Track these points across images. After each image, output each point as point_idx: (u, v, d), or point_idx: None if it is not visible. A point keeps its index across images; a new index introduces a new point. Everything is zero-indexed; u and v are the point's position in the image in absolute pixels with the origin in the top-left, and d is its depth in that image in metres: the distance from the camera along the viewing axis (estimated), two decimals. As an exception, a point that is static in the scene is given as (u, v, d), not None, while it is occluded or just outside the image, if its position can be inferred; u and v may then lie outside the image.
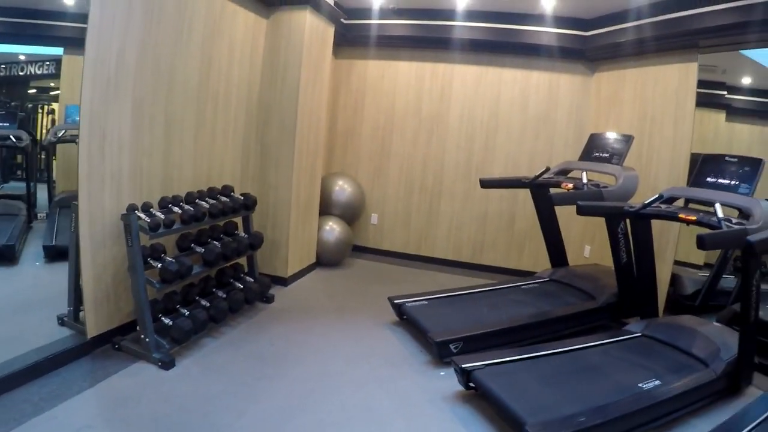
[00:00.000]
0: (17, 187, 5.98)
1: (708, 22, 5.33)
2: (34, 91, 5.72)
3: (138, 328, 4.10)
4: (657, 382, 3.65)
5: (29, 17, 4.96)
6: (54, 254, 5.34)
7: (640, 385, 3.62)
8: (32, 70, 5.53)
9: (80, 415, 3.20)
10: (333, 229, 7.03)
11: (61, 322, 4.29)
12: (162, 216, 4.18)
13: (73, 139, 5.26)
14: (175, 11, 4.53)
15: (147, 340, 4.00)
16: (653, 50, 6.15)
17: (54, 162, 5.71)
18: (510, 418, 3.24)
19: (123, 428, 3.12)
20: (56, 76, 5.58)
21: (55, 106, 5.86)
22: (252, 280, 5.32)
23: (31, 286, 5.09)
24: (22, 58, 5.51)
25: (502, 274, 7.20)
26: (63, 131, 5.41)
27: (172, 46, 4.54)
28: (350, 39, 7.42)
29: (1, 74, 5.53)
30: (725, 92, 7.17)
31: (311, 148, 6.37)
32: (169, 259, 4.21)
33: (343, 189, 7.39)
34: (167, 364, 3.94)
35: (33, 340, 3.86)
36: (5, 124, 5.40)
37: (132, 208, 4.05)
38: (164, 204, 4.41)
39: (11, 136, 5.36)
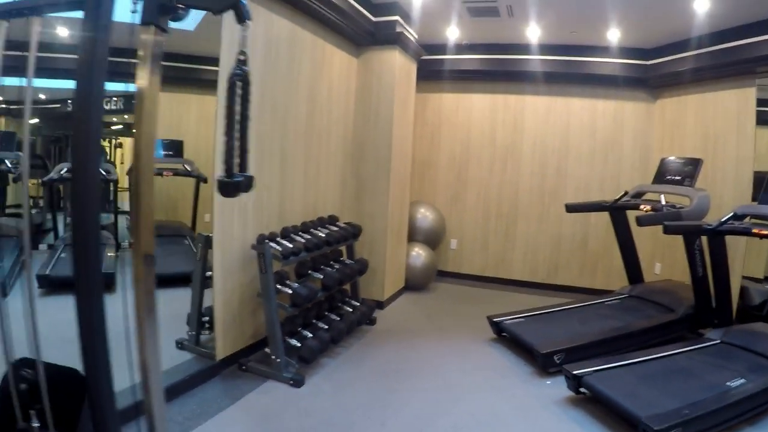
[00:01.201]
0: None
1: (764, 51, 5.78)
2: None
3: (268, 349, 4.57)
4: (742, 380, 4.09)
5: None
6: (151, 283, 5.71)
7: (727, 383, 4.05)
8: (99, 105, 5.81)
9: (230, 431, 3.60)
10: (419, 254, 7.55)
11: (180, 346, 4.71)
12: (290, 245, 4.71)
13: (160, 172, 5.74)
14: (287, 55, 5.11)
15: (278, 360, 4.45)
16: (712, 77, 6.61)
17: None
18: (624, 414, 3.73)
19: None
20: (122, 111, 6.01)
21: (122, 140, 6.40)
22: (358, 303, 5.83)
23: (138, 313, 5.45)
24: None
25: (577, 293, 7.57)
26: (151, 165, 5.82)
27: (285, 88, 5.13)
28: (426, 73, 7.88)
29: (69, 109, 5.71)
30: (776, 109, 7.50)
31: (401, 179, 6.92)
32: (296, 284, 4.71)
33: (425, 216, 7.90)
34: (298, 383, 4.39)
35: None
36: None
37: (263, 238, 4.60)
38: (286, 234, 4.95)
39: (101, 170, 5.75)
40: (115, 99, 5.83)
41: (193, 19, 2.03)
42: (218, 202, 4.34)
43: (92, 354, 1.88)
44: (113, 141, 6.38)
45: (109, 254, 6.01)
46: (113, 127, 6.26)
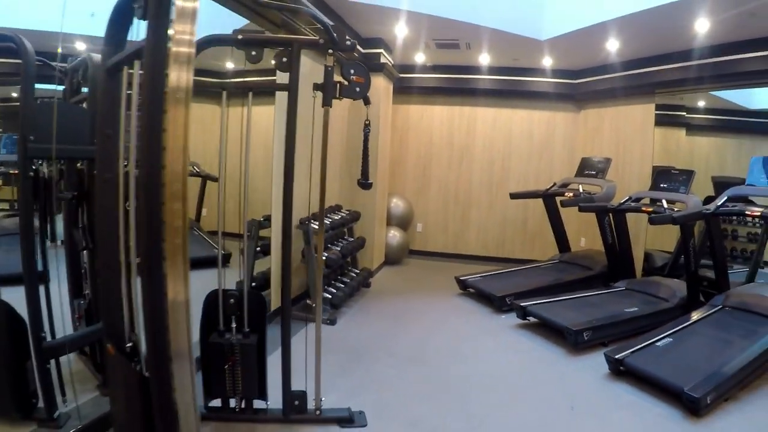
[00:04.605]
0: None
1: (661, 78, 7.84)
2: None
3: (309, 300, 6.38)
4: (636, 309, 6.10)
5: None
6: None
7: (625, 310, 6.06)
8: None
9: (298, 349, 4.66)
10: (395, 235, 9.46)
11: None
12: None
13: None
14: (309, 83, 6.81)
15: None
16: (623, 95, 8.66)
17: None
18: (554, 327, 5.78)
19: (333, 353, 5.20)
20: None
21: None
22: (358, 271, 7.66)
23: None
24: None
25: (520, 263, 9.27)
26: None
27: (309, 111, 6.83)
28: (397, 89, 9.60)
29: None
30: (684, 113, 9.51)
31: (383, 175, 8.75)
32: (325, 253, 6.50)
33: (397, 205, 9.77)
34: (333, 322, 6.18)
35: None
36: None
37: (305, 220, 6.34)
38: (315, 217, 6.70)
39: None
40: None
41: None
42: (275, 199, 5.99)
43: (285, 284, 3.73)
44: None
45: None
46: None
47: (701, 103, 9.54)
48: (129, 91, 2.73)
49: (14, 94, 3.68)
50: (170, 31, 2.09)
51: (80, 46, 4.32)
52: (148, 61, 2.12)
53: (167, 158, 2.00)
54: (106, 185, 2.87)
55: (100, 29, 3.55)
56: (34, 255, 3.52)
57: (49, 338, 3.61)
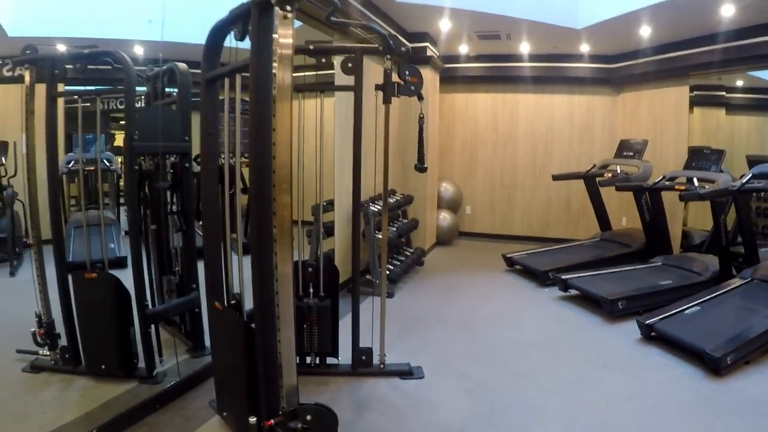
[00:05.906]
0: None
1: (694, 61, 8.23)
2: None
3: (369, 276, 6.96)
4: (669, 282, 6.54)
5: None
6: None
7: (659, 282, 6.50)
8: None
9: (364, 317, 4.71)
10: (445, 218, 10.05)
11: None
12: (378, 207, 7.08)
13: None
14: (370, 82, 7.41)
15: (377, 281, 6.72)
16: (659, 78, 9.07)
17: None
18: (593, 297, 6.29)
19: (392, 321, 5.43)
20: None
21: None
22: (412, 250, 8.26)
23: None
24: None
25: (564, 243, 9.62)
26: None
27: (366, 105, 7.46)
28: (443, 79, 10.12)
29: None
30: (724, 92, 9.85)
31: (433, 161, 9.26)
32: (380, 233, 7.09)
33: (447, 189, 10.36)
34: (391, 295, 6.72)
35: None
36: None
37: (364, 203, 6.80)
38: (372, 201, 7.26)
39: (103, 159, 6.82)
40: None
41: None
42: (337, 182, 6.61)
43: (355, 256, 4.35)
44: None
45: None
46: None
47: (740, 83, 9.83)
48: (221, 97, 3.38)
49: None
50: (274, 35, 2.62)
51: (138, 50, 4.73)
52: (255, 74, 2.69)
53: (276, 151, 2.61)
54: (210, 174, 3.54)
55: (157, 34, 4.16)
56: (140, 235, 4.22)
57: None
